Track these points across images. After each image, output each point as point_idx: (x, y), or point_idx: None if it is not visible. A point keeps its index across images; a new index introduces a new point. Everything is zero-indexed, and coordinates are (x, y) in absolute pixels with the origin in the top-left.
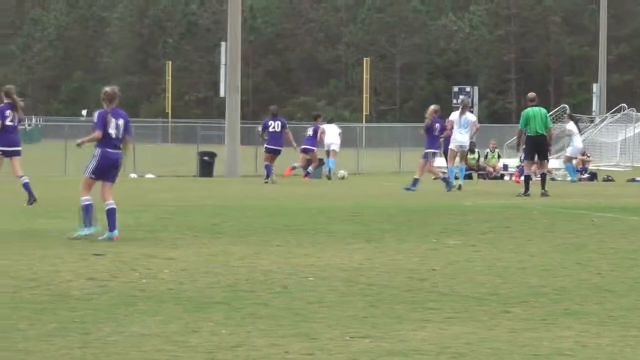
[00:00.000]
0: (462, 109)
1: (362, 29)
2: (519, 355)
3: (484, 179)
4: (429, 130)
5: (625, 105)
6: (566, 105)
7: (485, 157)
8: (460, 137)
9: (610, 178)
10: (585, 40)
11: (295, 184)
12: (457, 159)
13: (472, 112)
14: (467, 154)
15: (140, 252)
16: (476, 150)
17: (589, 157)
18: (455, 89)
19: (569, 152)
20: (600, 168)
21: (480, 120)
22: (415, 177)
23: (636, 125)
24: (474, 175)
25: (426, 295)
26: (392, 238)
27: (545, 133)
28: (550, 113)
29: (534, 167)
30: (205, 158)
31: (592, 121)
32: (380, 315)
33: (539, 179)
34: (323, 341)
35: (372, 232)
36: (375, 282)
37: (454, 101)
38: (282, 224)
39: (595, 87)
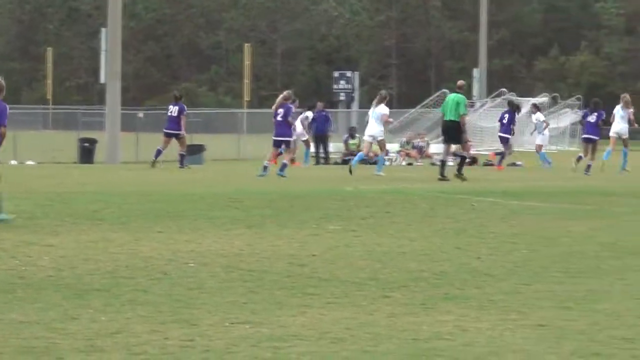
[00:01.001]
0: (377, 101)
1: (242, 15)
2: (398, 340)
3: (365, 164)
4: (275, 115)
5: (505, 89)
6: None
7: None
8: (370, 128)
9: (490, 162)
10: (466, 25)
11: (177, 171)
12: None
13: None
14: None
15: (19, 239)
16: (357, 135)
17: (470, 141)
18: (336, 74)
19: (539, 140)
20: (481, 152)
21: (361, 105)
22: (265, 163)
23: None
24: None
25: (306, 280)
26: (273, 224)
27: (455, 119)
28: (431, 98)
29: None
30: (86, 144)
31: (472, 106)
32: (260, 301)
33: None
34: (203, 327)
35: (252, 218)
36: (256, 268)
37: (335, 86)
38: (163, 210)
39: (475, 71)
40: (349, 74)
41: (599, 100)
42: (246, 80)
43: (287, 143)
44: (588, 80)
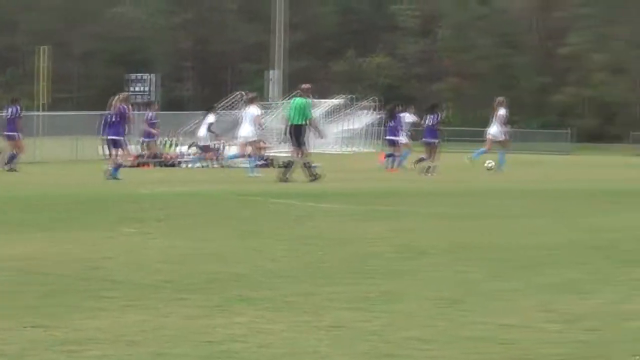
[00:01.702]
0: (247, 102)
1: (38, 17)
2: (193, 342)
3: (161, 166)
4: (108, 116)
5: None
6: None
7: (164, 144)
8: (242, 130)
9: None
10: (262, 28)
11: None
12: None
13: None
14: (257, 144)
15: None
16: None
17: (264, 143)
18: (133, 76)
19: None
20: (276, 154)
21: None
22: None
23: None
24: (152, 163)
25: (101, 283)
26: (67, 227)
27: (300, 123)
28: (227, 100)
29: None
30: None
31: (267, 108)
32: (54, 305)
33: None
34: None
35: (46, 221)
36: (50, 271)
37: (131, 89)
38: None
39: (271, 73)
40: (145, 76)
41: (436, 103)
42: (42, 83)
43: (118, 143)
44: (384, 82)
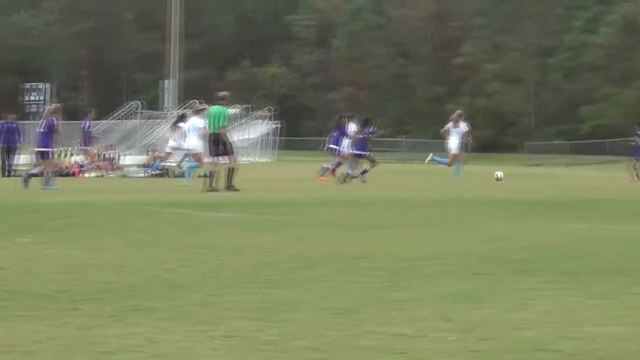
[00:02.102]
0: (194, 113)
1: None
2: (88, 352)
3: (62, 175)
4: (40, 127)
5: (196, 101)
6: (138, 102)
7: (59, 155)
8: (189, 142)
9: (180, 174)
10: (158, 37)
11: None
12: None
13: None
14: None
15: None
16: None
17: (160, 153)
18: (27, 86)
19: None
20: (172, 164)
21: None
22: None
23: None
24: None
25: None
26: None
27: (218, 131)
28: (122, 109)
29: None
30: None
31: (162, 117)
32: None
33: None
34: None
35: None
36: None
37: (26, 98)
38: None
39: (166, 83)
40: (40, 85)
41: (369, 117)
42: None
43: (47, 154)
44: (279, 91)
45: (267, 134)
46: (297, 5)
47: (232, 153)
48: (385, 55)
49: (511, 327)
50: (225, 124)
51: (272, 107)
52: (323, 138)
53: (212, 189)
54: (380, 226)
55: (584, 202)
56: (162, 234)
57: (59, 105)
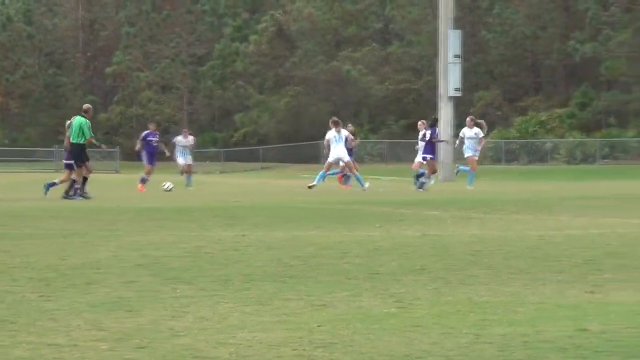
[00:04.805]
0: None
1: None
2: None
3: None
4: None
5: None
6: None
7: None
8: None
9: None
10: None
11: None
12: None
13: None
14: None
15: None
16: None
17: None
18: None
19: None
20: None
21: None
22: None
23: None
24: None
25: None
26: None
27: (80, 142)
28: None
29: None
30: None
31: None
32: None
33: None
34: None
35: None
36: None
37: None
38: None
39: None
40: None
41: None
42: None
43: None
44: None
45: None
46: None
47: (80, 166)
48: (35, 64)
49: (167, 334)
50: (91, 135)
51: None
52: None
53: (68, 196)
54: (34, 236)
55: (235, 209)
56: None
57: None
